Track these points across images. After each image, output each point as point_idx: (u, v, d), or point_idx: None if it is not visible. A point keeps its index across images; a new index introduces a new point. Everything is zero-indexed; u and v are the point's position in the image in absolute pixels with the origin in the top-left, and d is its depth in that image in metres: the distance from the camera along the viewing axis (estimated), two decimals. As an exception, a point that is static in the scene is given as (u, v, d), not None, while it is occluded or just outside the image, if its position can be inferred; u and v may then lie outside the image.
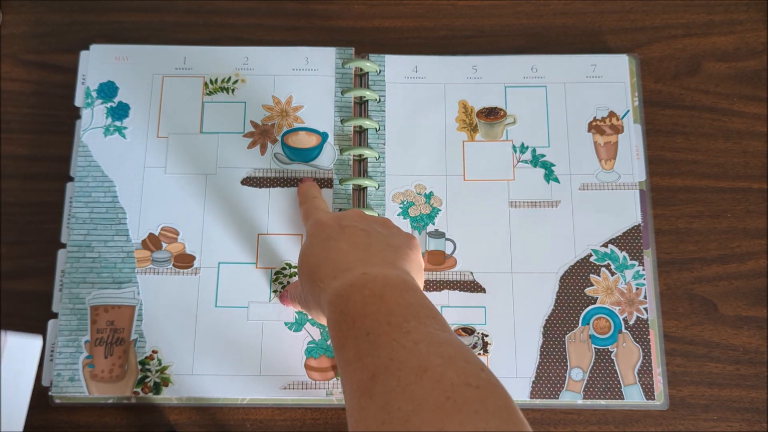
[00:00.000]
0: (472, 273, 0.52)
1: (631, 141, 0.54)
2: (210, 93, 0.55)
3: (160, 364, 0.50)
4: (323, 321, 0.42)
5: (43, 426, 0.51)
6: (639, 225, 0.53)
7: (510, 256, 0.52)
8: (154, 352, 0.50)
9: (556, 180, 0.54)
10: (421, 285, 0.40)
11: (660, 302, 0.52)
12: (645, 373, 0.50)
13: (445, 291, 0.52)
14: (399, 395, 0.29)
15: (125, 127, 0.54)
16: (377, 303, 0.34)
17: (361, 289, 0.35)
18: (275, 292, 0.51)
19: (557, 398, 0.50)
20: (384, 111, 0.55)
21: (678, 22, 0.59)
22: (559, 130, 0.55)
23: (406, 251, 0.40)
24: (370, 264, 0.38)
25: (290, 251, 0.52)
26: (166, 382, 0.49)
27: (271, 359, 0.50)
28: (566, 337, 0.51)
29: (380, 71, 0.56)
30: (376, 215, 0.44)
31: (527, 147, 0.54)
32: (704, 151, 0.56)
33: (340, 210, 0.52)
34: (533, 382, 0.50)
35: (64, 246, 0.52)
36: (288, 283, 0.51)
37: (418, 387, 0.29)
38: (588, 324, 0.51)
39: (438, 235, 0.53)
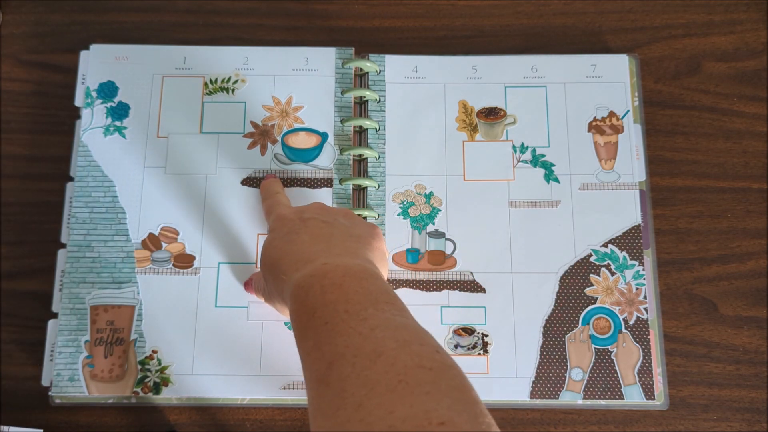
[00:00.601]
0: (472, 273, 0.52)
1: (631, 141, 0.54)
2: (210, 93, 0.55)
3: (159, 364, 0.50)
4: (286, 314, 0.41)
5: (43, 426, 0.51)
6: (639, 225, 0.53)
7: (510, 256, 0.52)
8: (154, 352, 0.50)
9: (556, 180, 0.54)
10: (385, 273, 0.40)
11: (660, 302, 0.52)
12: (645, 373, 0.50)
13: (445, 291, 0.52)
14: (353, 381, 0.29)
15: (125, 127, 0.54)
16: (336, 292, 0.34)
17: (321, 278, 0.35)
18: None
19: (557, 398, 0.50)
20: (384, 111, 0.55)
21: (678, 22, 0.59)
22: (559, 130, 0.55)
23: (368, 240, 0.40)
24: (332, 254, 0.38)
25: (290, 251, 0.52)
26: (166, 382, 0.49)
27: (271, 359, 0.50)
28: (566, 337, 0.51)
29: (380, 71, 0.56)
30: (338, 207, 0.44)
31: (527, 147, 0.54)
32: (704, 151, 0.56)
33: None
34: (533, 382, 0.50)
35: (64, 246, 0.52)
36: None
37: (372, 372, 0.29)
38: (588, 324, 0.51)
39: (438, 235, 0.53)
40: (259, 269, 0.44)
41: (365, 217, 0.53)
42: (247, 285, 0.51)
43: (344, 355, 0.31)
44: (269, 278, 0.41)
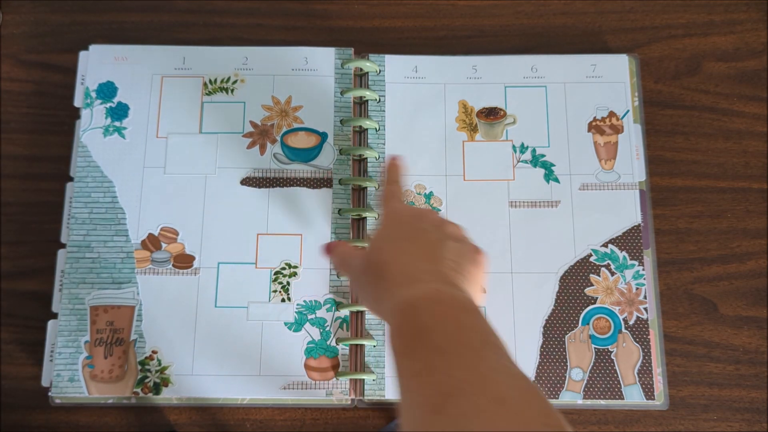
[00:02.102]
0: (471, 273, 0.52)
1: (631, 141, 0.54)
2: (209, 93, 0.55)
3: (159, 364, 0.50)
4: (375, 314, 0.42)
5: (43, 426, 0.51)
6: (639, 225, 0.53)
7: (510, 256, 0.52)
8: (154, 352, 0.50)
9: (556, 180, 0.54)
10: (478, 300, 0.40)
11: (660, 302, 0.52)
12: (645, 373, 0.50)
13: (445, 291, 0.52)
14: (474, 419, 0.30)
15: (125, 128, 0.54)
16: (452, 323, 0.35)
17: (434, 304, 0.36)
18: (275, 291, 0.51)
19: (557, 398, 0.50)
20: (384, 111, 0.55)
21: (678, 22, 0.59)
22: (559, 130, 0.55)
23: (471, 269, 0.40)
24: (441, 280, 0.38)
25: (290, 251, 0.52)
26: (165, 382, 0.49)
27: (271, 359, 0.50)
28: (566, 337, 0.51)
29: (380, 71, 0.56)
30: (451, 222, 0.44)
31: (527, 147, 0.54)
32: (704, 151, 0.56)
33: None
34: (533, 382, 0.50)
35: (64, 246, 0.52)
36: (288, 283, 0.51)
37: (497, 416, 0.30)
38: (588, 324, 0.51)
39: (438, 235, 0.53)
40: (357, 255, 0.44)
41: (365, 217, 0.53)
42: (332, 251, 0.47)
43: (463, 390, 0.31)
44: (370, 276, 0.41)
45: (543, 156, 0.54)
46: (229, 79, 0.55)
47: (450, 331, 0.34)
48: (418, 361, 0.34)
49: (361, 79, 0.56)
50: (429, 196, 0.53)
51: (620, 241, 0.52)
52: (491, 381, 0.31)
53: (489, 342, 0.34)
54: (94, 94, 0.55)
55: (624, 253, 0.52)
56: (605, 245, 0.52)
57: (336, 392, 0.50)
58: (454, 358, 0.33)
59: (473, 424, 0.29)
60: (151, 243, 0.52)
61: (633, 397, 0.49)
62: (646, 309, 0.51)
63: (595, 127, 0.55)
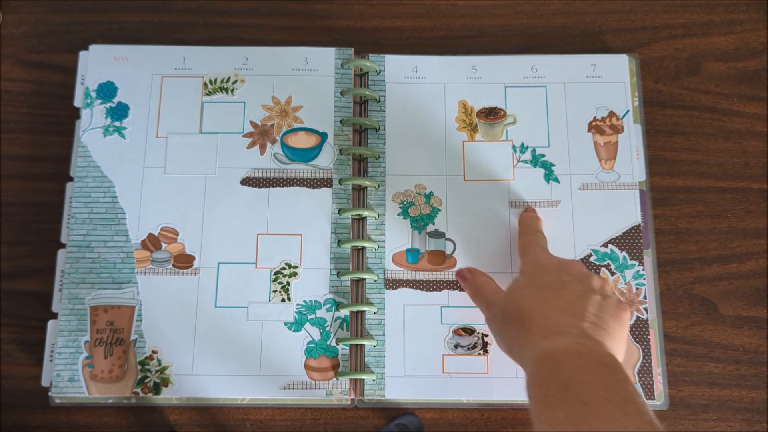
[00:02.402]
0: (471, 273, 0.52)
1: (631, 141, 0.54)
2: (209, 93, 0.55)
3: (159, 364, 0.50)
4: (510, 357, 0.43)
5: (43, 426, 0.51)
6: (639, 225, 0.53)
7: (510, 256, 0.52)
8: (154, 352, 0.50)
9: (556, 180, 0.54)
10: (620, 358, 0.41)
11: (660, 302, 0.52)
12: (645, 373, 0.50)
13: (445, 291, 0.52)
14: None
15: (125, 128, 0.54)
16: (594, 376, 0.35)
17: (576, 357, 0.37)
18: (275, 291, 0.51)
19: (557, 398, 0.49)
20: (384, 111, 0.55)
21: (678, 22, 0.59)
22: (559, 130, 0.55)
23: (616, 327, 0.41)
24: (584, 334, 0.39)
25: (289, 251, 0.52)
26: (165, 382, 0.49)
27: (271, 359, 0.50)
28: (566, 337, 0.50)
29: (380, 71, 0.56)
30: (597, 276, 0.44)
31: (527, 147, 0.54)
32: (704, 151, 0.56)
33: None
34: None
35: (64, 246, 0.52)
36: (288, 283, 0.51)
37: None
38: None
39: (438, 235, 0.53)
40: (497, 299, 0.44)
41: (365, 218, 0.53)
42: (461, 276, 0.50)
43: None
44: (511, 325, 0.42)
45: (543, 156, 0.54)
46: (229, 79, 0.55)
47: (593, 384, 0.35)
48: (561, 412, 0.34)
49: (361, 79, 0.56)
50: (429, 196, 0.53)
51: (620, 241, 0.52)
52: None
53: (634, 401, 0.34)
54: (94, 94, 0.55)
55: (624, 253, 0.52)
56: (605, 245, 0.52)
57: (336, 392, 0.50)
58: (600, 412, 0.33)
59: None
60: (151, 243, 0.52)
61: (633, 397, 0.49)
62: (646, 309, 0.51)
63: (595, 127, 0.55)
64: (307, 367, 0.50)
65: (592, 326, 0.40)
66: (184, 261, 0.52)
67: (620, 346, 0.41)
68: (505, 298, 0.44)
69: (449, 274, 0.52)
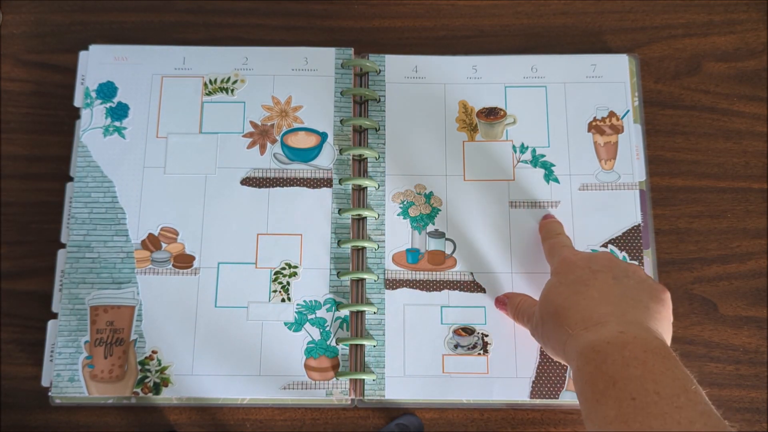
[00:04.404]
0: (472, 273, 0.52)
1: (631, 141, 0.54)
2: (209, 93, 0.55)
3: (159, 364, 0.50)
4: (558, 359, 0.43)
5: (43, 426, 0.51)
6: (639, 225, 0.53)
7: (510, 256, 0.52)
8: (154, 352, 0.50)
9: (556, 180, 0.54)
10: (668, 340, 0.40)
11: (660, 302, 0.52)
12: (645, 373, 0.50)
13: (445, 291, 0.52)
14: None
15: (125, 128, 0.54)
16: (640, 368, 0.34)
17: (620, 348, 0.36)
18: (275, 291, 0.51)
19: (557, 398, 0.50)
20: (384, 111, 0.55)
21: (678, 22, 0.59)
22: (559, 130, 0.55)
23: (657, 308, 0.40)
24: (624, 321, 0.38)
25: (289, 251, 0.52)
26: (165, 382, 0.49)
27: (271, 359, 0.50)
28: (566, 337, 0.50)
29: (380, 71, 0.56)
30: (629, 263, 0.44)
31: (527, 147, 0.54)
32: (704, 151, 0.56)
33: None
34: (533, 382, 0.50)
35: (64, 246, 0.52)
36: (288, 283, 0.51)
37: None
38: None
39: (438, 235, 0.53)
40: (537, 308, 0.44)
41: (365, 218, 0.53)
42: (502, 304, 0.50)
43: None
44: (549, 323, 0.42)
45: (543, 156, 0.54)
46: (229, 79, 0.55)
47: (640, 377, 0.34)
48: (611, 409, 0.34)
49: (361, 79, 0.56)
50: (429, 196, 0.53)
51: (620, 241, 0.52)
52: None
53: (687, 390, 0.33)
54: (94, 94, 0.55)
55: (624, 253, 0.52)
56: (605, 245, 0.52)
57: (336, 392, 0.50)
58: (651, 408, 0.33)
59: None
60: (151, 243, 0.52)
61: (633, 397, 0.49)
62: (646, 309, 0.51)
63: (595, 127, 0.55)
64: (307, 367, 0.50)
65: (631, 310, 0.39)
66: (184, 261, 0.52)
67: (665, 326, 0.39)
68: (540, 302, 0.44)
69: (449, 274, 0.52)
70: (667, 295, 0.41)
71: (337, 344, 0.50)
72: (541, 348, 0.50)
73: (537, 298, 0.51)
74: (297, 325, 0.51)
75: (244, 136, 0.54)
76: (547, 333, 0.42)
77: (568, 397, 0.50)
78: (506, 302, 0.50)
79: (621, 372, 0.34)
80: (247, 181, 0.53)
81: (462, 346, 0.51)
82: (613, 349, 0.36)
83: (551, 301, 0.42)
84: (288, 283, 0.51)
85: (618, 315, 0.38)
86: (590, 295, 0.40)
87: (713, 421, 0.32)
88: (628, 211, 0.53)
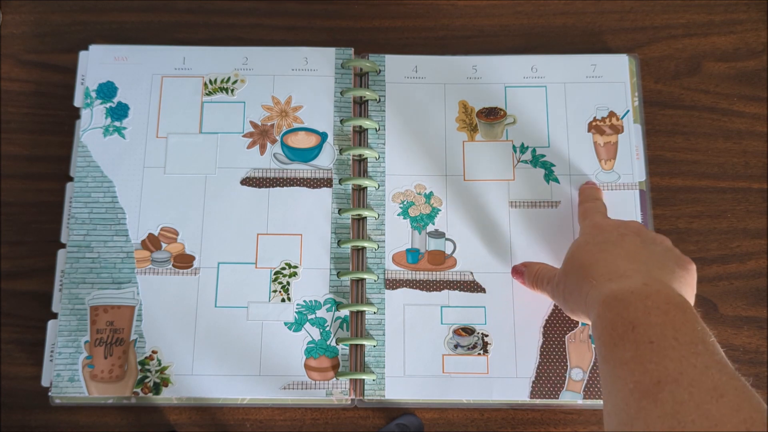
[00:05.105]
0: (472, 273, 0.52)
1: (631, 141, 0.54)
2: (209, 93, 0.55)
3: (159, 364, 0.50)
4: (577, 315, 0.43)
5: (43, 426, 0.51)
6: (639, 225, 0.53)
7: (510, 256, 0.52)
8: (154, 352, 0.50)
9: (556, 180, 0.54)
10: (692, 298, 0.40)
11: (660, 302, 0.52)
12: (645, 373, 0.50)
13: (445, 291, 0.52)
14: (692, 410, 0.30)
15: (125, 128, 0.54)
16: (662, 317, 0.35)
17: (643, 298, 0.36)
18: (275, 291, 0.51)
19: (557, 398, 0.50)
20: (384, 111, 0.55)
21: (678, 22, 0.59)
22: (559, 130, 0.55)
23: (682, 274, 0.40)
24: (649, 276, 0.38)
25: (289, 251, 0.52)
26: (165, 382, 0.49)
27: (271, 359, 0.50)
28: (566, 337, 0.51)
29: (380, 71, 0.56)
30: (657, 233, 0.44)
31: (527, 147, 0.54)
32: (704, 151, 0.56)
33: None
34: (533, 382, 0.50)
35: (64, 246, 0.52)
36: (288, 283, 0.51)
37: (714, 409, 0.30)
38: (588, 324, 0.51)
39: (438, 235, 0.53)
40: (561, 268, 0.45)
41: (365, 218, 0.53)
42: (516, 273, 0.51)
43: (678, 381, 0.31)
44: (573, 277, 0.42)
45: (543, 156, 0.54)
46: (229, 79, 0.55)
47: (661, 324, 0.34)
48: (628, 351, 0.34)
49: (361, 79, 0.56)
50: (429, 196, 0.53)
51: (620, 241, 0.52)
52: (707, 376, 0.32)
53: (705, 341, 0.34)
54: (94, 94, 0.55)
55: (624, 253, 0.52)
56: (605, 245, 0.52)
57: (336, 392, 0.50)
58: (668, 351, 0.33)
59: (691, 413, 0.30)
60: (151, 243, 0.52)
61: (633, 397, 0.49)
62: (646, 309, 0.51)
63: (595, 127, 0.55)
64: (307, 367, 0.50)
65: (657, 270, 0.39)
66: (184, 261, 0.52)
67: (688, 292, 0.40)
68: (565, 260, 0.44)
69: (449, 274, 0.52)
70: (693, 267, 0.41)
71: (337, 344, 0.50)
72: (541, 348, 0.50)
73: (537, 296, 0.51)
74: (297, 325, 0.51)
75: (244, 136, 0.54)
76: (570, 287, 0.43)
77: (568, 397, 0.50)
78: (523, 271, 0.50)
79: (642, 318, 0.35)
80: (247, 181, 0.53)
81: (462, 346, 0.51)
82: (635, 297, 0.36)
83: (577, 258, 0.43)
84: (288, 283, 0.51)
85: (643, 272, 0.39)
86: (617, 253, 0.41)
87: (728, 371, 0.32)
88: (628, 211, 0.53)
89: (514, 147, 0.54)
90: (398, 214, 0.53)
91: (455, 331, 0.51)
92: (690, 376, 0.32)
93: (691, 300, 0.40)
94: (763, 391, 0.51)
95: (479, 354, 0.50)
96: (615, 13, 0.59)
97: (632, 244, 0.41)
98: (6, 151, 0.56)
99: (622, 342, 0.35)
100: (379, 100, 0.55)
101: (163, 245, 0.52)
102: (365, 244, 0.52)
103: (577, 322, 0.51)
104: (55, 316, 0.51)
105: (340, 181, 0.53)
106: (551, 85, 0.56)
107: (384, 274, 0.52)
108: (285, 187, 0.53)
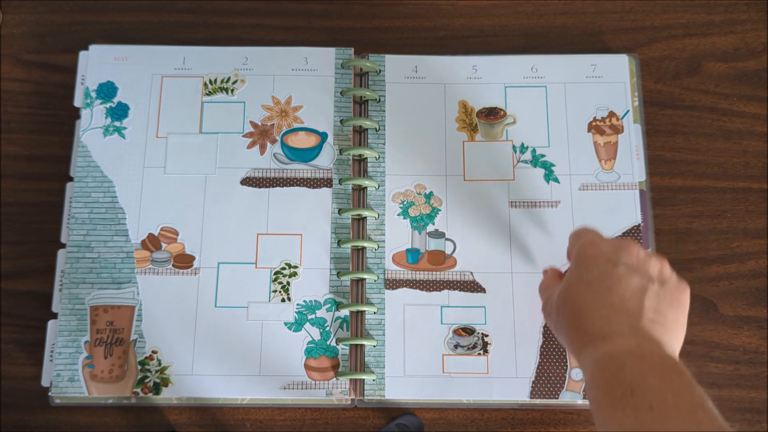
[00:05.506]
0: (472, 273, 0.52)
1: (631, 141, 0.54)
2: (209, 93, 0.55)
3: (159, 364, 0.50)
4: (561, 341, 0.43)
5: (43, 426, 0.51)
6: (639, 225, 0.53)
7: (510, 256, 0.52)
8: (154, 352, 0.50)
9: (556, 180, 0.54)
10: (682, 341, 0.41)
11: (660, 302, 0.52)
12: (645, 373, 0.50)
13: (445, 291, 0.52)
14: None
15: (125, 128, 0.54)
16: (659, 380, 0.35)
17: (639, 360, 0.36)
18: (275, 291, 0.51)
19: (557, 398, 0.50)
20: (384, 111, 0.55)
21: (678, 22, 0.59)
22: (559, 130, 0.55)
23: (675, 317, 0.40)
24: (642, 335, 0.38)
25: (289, 251, 0.52)
26: (165, 382, 0.49)
27: (271, 359, 0.50)
28: (566, 337, 0.50)
29: (380, 71, 0.56)
30: (654, 257, 0.42)
31: (527, 147, 0.54)
32: (704, 151, 0.56)
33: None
34: (533, 382, 0.50)
35: (64, 246, 0.52)
36: (288, 283, 0.51)
37: None
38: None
39: (438, 235, 0.53)
40: (556, 297, 0.44)
41: (365, 218, 0.53)
42: (544, 272, 0.50)
43: None
44: (565, 322, 0.42)
45: (543, 156, 0.54)
46: (229, 79, 0.55)
47: (659, 389, 0.34)
48: (628, 417, 0.34)
49: (361, 79, 0.56)
50: (429, 196, 0.53)
51: (620, 241, 0.52)
52: None
53: (702, 406, 0.34)
54: (94, 94, 0.55)
55: (624, 253, 0.52)
56: (605, 245, 0.52)
57: (336, 392, 0.50)
58: (669, 419, 0.33)
59: None
60: (151, 243, 0.52)
61: (633, 397, 0.49)
62: (646, 309, 0.51)
63: (595, 127, 0.55)
64: (307, 367, 0.50)
65: (650, 323, 0.39)
66: (184, 261, 0.52)
67: (679, 335, 0.40)
68: (560, 293, 0.43)
69: (449, 274, 0.52)
70: (687, 295, 0.41)
71: (337, 344, 0.50)
72: (541, 348, 0.50)
73: (537, 296, 0.51)
74: (297, 325, 0.51)
75: (244, 136, 0.54)
76: (560, 328, 0.42)
77: (568, 397, 0.50)
78: (543, 276, 0.50)
79: (639, 381, 0.35)
80: (247, 181, 0.53)
81: (462, 346, 0.51)
82: (631, 359, 0.36)
83: (571, 298, 0.42)
84: (288, 283, 0.51)
85: (637, 327, 0.39)
86: (612, 303, 0.40)
87: None
88: (628, 211, 0.53)
89: (514, 147, 0.54)
90: (398, 214, 0.53)
91: (455, 331, 0.51)
92: None
93: (683, 335, 0.41)
94: (763, 391, 0.51)
95: (479, 354, 0.50)
96: (615, 13, 0.59)
97: (628, 288, 0.40)
98: (6, 151, 0.56)
99: (621, 406, 0.35)
100: (379, 100, 0.55)
101: (163, 245, 0.52)
102: (365, 244, 0.52)
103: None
104: (55, 316, 0.51)
105: (340, 181, 0.53)
106: (551, 85, 0.56)
107: (384, 274, 0.52)
108: (285, 187, 0.53)
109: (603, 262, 0.41)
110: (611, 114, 0.55)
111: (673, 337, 0.40)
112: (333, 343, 0.50)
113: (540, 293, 0.48)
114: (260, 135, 0.54)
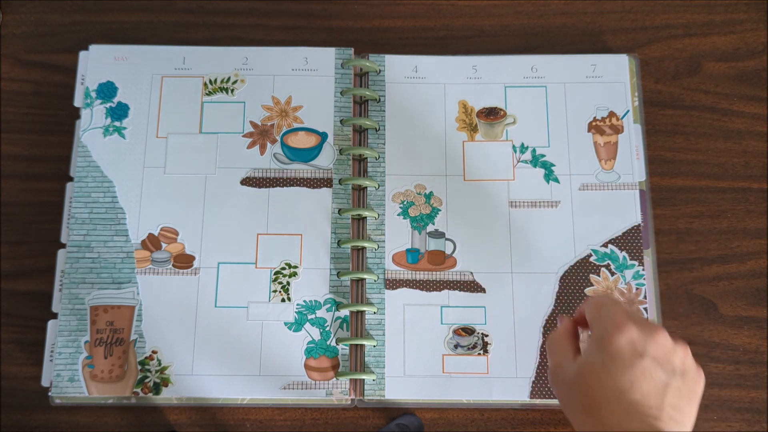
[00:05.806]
0: (472, 273, 0.52)
1: (631, 141, 0.54)
2: (209, 93, 0.55)
3: (159, 364, 0.50)
4: (567, 415, 0.42)
5: (43, 426, 0.51)
6: (639, 225, 0.53)
7: (510, 256, 0.52)
8: (154, 352, 0.50)
9: (556, 180, 0.54)
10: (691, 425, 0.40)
11: (660, 302, 0.52)
12: (645, 373, 0.50)
13: (445, 291, 0.52)
14: None
15: (125, 128, 0.54)
16: None
17: None
18: (275, 291, 0.51)
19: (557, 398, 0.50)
20: (384, 111, 0.55)
21: (678, 22, 0.59)
22: (559, 130, 0.55)
23: (691, 411, 0.40)
24: None
25: (289, 251, 0.52)
26: (165, 382, 0.49)
27: (271, 359, 0.50)
28: (566, 337, 0.50)
29: (380, 71, 0.56)
30: (679, 346, 0.41)
31: (527, 147, 0.54)
32: (704, 151, 0.56)
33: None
34: (533, 382, 0.50)
35: (64, 246, 0.52)
36: (288, 283, 0.51)
37: None
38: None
39: (438, 235, 0.53)
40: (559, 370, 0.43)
41: (365, 218, 0.53)
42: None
43: None
44: (581, 404, 0.40)
45: (543, 156, 0.54)
46: (229, 79, 0.55)
47: None
48: None
49: (361, 79, 0.56)
50: (429, 196, 0.53)
51: (620, 241, 0.52)
52: None
53: None
54: (94, 94, 0.55)
55: (624, 253, 0.52)
56: (605, 245, 0.52)
57: (336, 392, 0.50)
58: None
59: None
60: (151, 243, 0.52)
61: (633, 397, 0.49)
62: (646, 309, 0.51)
63: (595, 127, 0.55)
64: (307, 367, 0.50)
65: (668, 420, 0.39)
66: (184, 261, 0.52)
67: (690, 426, 0.40)
68: (577, 373, 0.41)
69: (449, 274, 0.52)
70: (702, 386, 0.41)
71: (337, 344, 0.50)
72: (541, 348, 0.50)
73: (537, 296, 0.51)
74: (297, 325, 0.51)
75: (244, 136, 0.54)
76: (571, 408, 0.42)
77: (568, 397, 0.50)
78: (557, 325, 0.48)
79: None
80: (247, 181, 0.53)
81: (462, 346, 0.51)
82: None
83: (589, 383, 0.40)
84: (288, 283, 0.51)
85: (656, 426, 0.38)
86: (633, 400, 0.39)
87: None
88: (628, 211, 0.53)
89: (514, 147, 0.54)
90: (398, 214, 0.53)
91: (455, 331, 0.51)
92: None
93: (695, 415, 0.40)
94: (763, 391, 0.51)
95: (479, 354, 0.50)
96: (615, 13, 0.59)
97: (651, 384, 0.39)
98: (6, 151, 0.56)
99: None
100: (379, 100, 0.55)
101: (163, 245, 0.52)
102: (365, 244, 0.52)
103: (577, 322, 0.51)
104: (55, 316, 0.51)
105: (340, 181, 0.53)
106: (551, 85, 0.56)
107: (384, 274, 0.52)
108: (285, 187, 0.53)
109: (629, 353, 0.40)
110: (611, 114, 0.55)
111: (686, 429, 0.40)
112: (333, 343, 0.50)
113: (549, 348, 0.45)
114: (260, 135, 0.54)
